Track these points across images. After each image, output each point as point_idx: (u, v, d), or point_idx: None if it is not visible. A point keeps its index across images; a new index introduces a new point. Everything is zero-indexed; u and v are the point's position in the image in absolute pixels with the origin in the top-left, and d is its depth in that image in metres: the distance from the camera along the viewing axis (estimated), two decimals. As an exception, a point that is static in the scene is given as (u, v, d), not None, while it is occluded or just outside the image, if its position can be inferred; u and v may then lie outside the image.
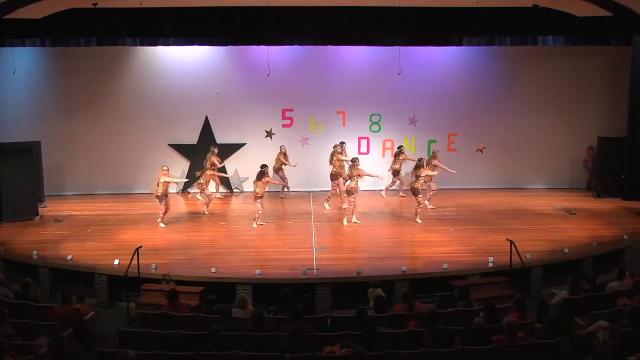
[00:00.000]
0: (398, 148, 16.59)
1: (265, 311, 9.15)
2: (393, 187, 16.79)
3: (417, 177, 14.17)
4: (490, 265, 11.55)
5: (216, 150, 16.00)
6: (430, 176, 14.64)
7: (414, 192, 14.15)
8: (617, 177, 16.19)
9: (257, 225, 14.06)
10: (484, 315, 8.69)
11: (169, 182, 14.23)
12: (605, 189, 16.60)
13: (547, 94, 17.26)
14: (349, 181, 14.23)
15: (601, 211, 15.23)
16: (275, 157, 16.51)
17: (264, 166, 14.27)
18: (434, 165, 15.17)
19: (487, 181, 17.68)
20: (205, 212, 15.11)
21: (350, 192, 13.94)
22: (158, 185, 13.98)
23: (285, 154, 16.55)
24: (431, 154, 15.86)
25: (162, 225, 14.11)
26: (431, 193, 15.49)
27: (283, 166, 16.57)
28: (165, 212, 14.18)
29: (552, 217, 14.81)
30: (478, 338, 7.91)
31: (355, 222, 14.21)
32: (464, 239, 13.01)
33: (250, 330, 8.40)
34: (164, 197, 14.02)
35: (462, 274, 11.34)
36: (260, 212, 14.00)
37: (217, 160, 15.97)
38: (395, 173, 16.36)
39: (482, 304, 9.16)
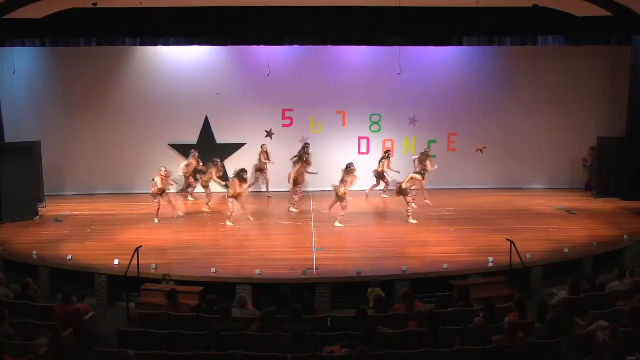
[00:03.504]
0: (385, 153, 16.37)
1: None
2: (378, 188, 16.56)
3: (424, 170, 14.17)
4: (490, 265, 11.56)
5: (197, 154, 16.00)
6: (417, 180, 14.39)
7: (402, 192, 14.00)
8: (617, 177, 16.19)
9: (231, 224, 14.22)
10: (484, 315, 8.69)
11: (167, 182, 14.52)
12: (605, 189, 16.60)
13: (547, 94, 17.25)
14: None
15: (601, 211, 15.22)
16: (269, 156, 16.58)
17: (243, 171, 14.19)
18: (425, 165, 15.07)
19: (487, 181, 17.66)
20: (207, 210, 15.39)
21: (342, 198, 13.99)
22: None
23: (266, 153, 16.50)
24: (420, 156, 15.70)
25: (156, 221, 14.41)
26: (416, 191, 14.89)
27: (266, 166, 16.56)
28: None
29: (552, 217, 14.80)
30: (478, 338, 7.90)
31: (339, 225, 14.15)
32: (464, 239, 13.00)
33: (259, 330, 8.38)
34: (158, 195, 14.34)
35: (462, 274, 11.35)
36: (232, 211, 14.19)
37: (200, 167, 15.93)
38: (380, 176, 16.15)
39: (482, 304, 9.18)
